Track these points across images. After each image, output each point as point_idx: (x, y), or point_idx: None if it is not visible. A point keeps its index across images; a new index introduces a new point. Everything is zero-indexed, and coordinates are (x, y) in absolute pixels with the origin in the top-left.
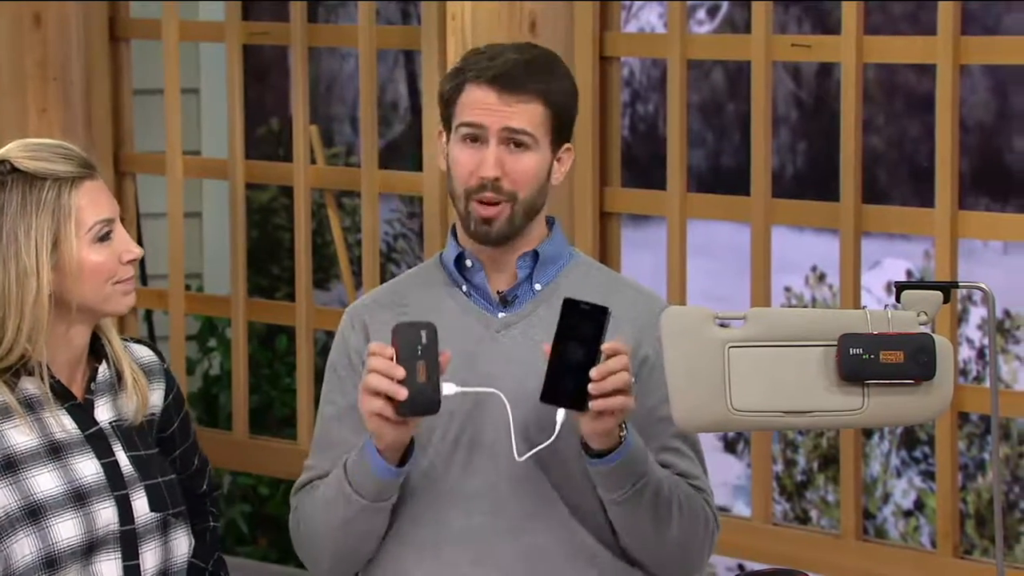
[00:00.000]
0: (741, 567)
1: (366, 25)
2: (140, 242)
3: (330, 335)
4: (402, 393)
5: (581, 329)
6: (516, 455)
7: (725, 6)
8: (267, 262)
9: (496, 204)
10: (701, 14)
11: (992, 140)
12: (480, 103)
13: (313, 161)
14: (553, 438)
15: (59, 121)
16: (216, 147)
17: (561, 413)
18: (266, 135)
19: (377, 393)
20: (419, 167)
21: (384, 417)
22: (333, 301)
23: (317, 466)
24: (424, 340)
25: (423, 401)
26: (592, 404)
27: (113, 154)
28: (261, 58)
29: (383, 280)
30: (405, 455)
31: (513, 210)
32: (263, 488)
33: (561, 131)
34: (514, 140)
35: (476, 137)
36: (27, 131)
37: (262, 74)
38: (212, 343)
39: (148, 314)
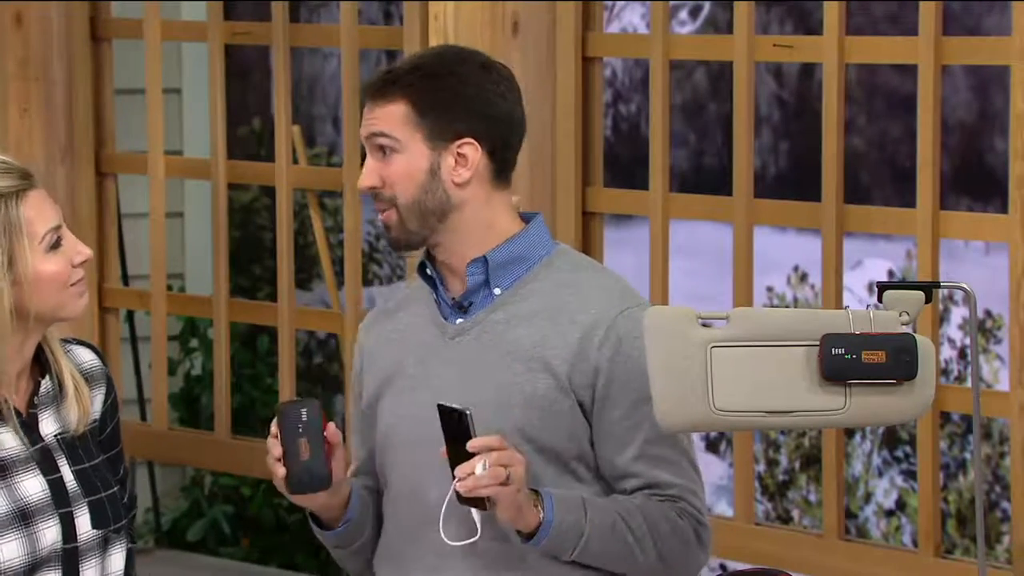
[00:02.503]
0: (723, 567)
1: (348, 25)
2: (121, 243)
3: (312, 335)
4: (279, 472)
5: (457, 431)
6: (444, 538)
7: (707, 6)
8: (249, 262)
9: (384, 212)
10: (683, 14)
11: (973, 140)
12: (364, 117)
13: (295, 161)
14: (477, 537)
15: (40, 121)
16: (198, 147)
17: (475, 512)
18: (248, 135)
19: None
20: None
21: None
22: (315, 301)
23: None
24: (304, 417)
25: (308, 479)
26: (464, 498)
27: (95, 154)
28: (243, 58)
29: (365, 280)
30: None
31: (400, 214)
32: (246, 489)
33: (441, 128)
34: (380, 146)
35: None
36: (8, 131)
37: (244, 74)
38: (194, 343)
39: (130, 314)
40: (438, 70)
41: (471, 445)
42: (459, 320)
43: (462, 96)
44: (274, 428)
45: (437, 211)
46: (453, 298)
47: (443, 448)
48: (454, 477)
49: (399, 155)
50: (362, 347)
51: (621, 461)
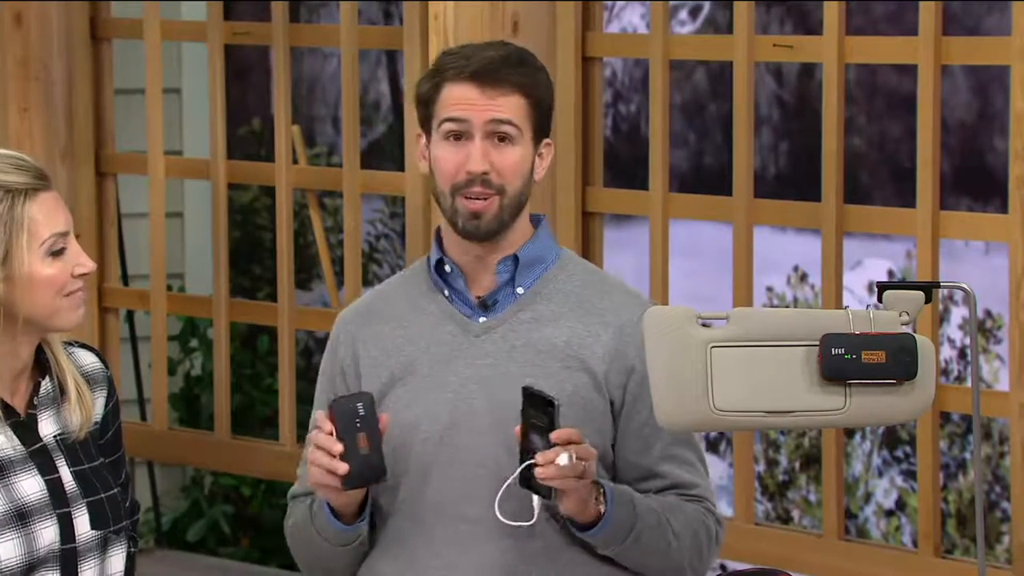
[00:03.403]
0: (723, 567)
1: (348, 25)
2: (121, 243)
3: (311, 335)
4: (342, 468)
5: (539, 418)
6: (500, 516)
7: (707, 6)
8: (249, 262)
9: (484, 199)
10: (683, 14)
11: (973, 140)
12: (462, 99)
13: (295, 161)
14: (532, 521)
15: (40, 121)
16: (198, 147)
17: (536, 498)
18: (248, 135)
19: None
20: (401, 167)
21: (332, 487)
22: (315, 301)
23: (304, 476)
24: (362, 411)
25: (368, 472)
26: (527, 483)
27: (95, 154)
28: (243, 58)
29: (365, 280)
30: (362, 507)
31: (501, 204)
32: (245, 488)
33: (542, 125)
34: (499, 133)
35: (460, 134)
36: (8, 130)
37: (244, 74)
38: (194, 343)
39: (130, 314)
40: (538, 65)
41: (556, 436)
42: (483, 318)
43: (552, 95)
44: (328, 425)
45: (523, 206)
46: (478, 296)
47: (517, 428)
48: (521, 459)
49: (516, 146)
50: (353, 347)
51: (647, 461)
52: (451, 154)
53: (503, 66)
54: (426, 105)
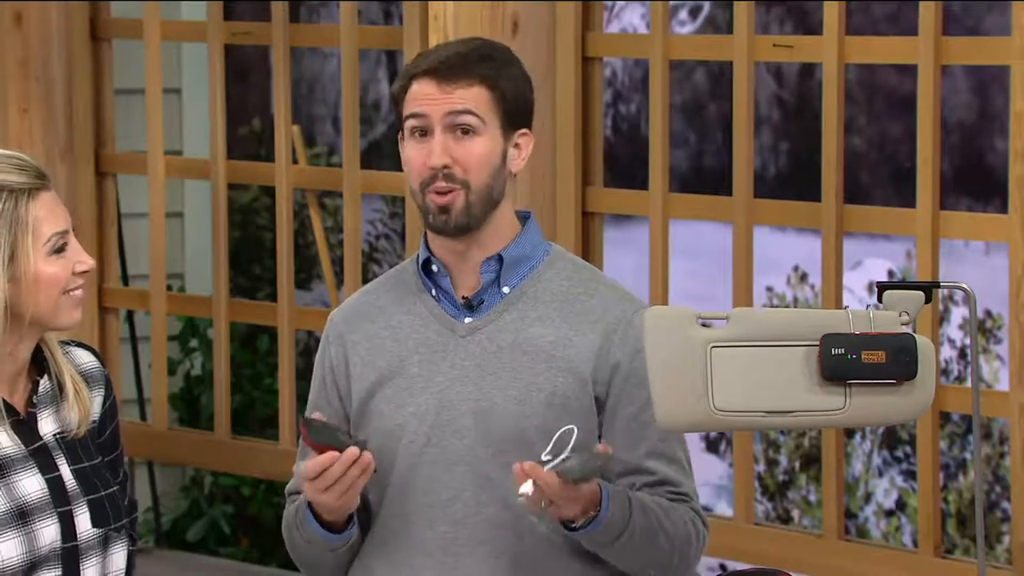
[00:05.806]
0: (723, 567)
1: (348, 25)
2: (121, 243)
3: (312, 335)
4: (368, 456)
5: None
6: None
7: (707, 6)
8: (249, 262)
9: (447, 192)
10: (683, 14)
11: (973, 140)
12: (422, 95)
13: (295, 161)
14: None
15: (40, 121)
16: (198, 147)
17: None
18: (248, 135)
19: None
20: (401, 167)
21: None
22: (315, 301)
23: (299, 473)
24: (331, 423)
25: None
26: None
27: (95, 154)
28: (243, 58)
29: (365, 280)
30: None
31: (468, 198)
32: (245, 488)
33: (513, 116)
34: (459, 125)
35: (424, 130)
36: (8, 130)
37: (244, 74)
38: (194, 343)
39: (129, 314)
40: (507, 58)
41: (520, 466)
42: (468, 319)
43: (526, 87)
44: (334, 453)
45: (496, 199)
46: (464, 296)
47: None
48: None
49: (480, 137)
50: (343, 348)
51: (634, 457)
52: (415, 151)
53: (463, 61)
54: (396, 104)
